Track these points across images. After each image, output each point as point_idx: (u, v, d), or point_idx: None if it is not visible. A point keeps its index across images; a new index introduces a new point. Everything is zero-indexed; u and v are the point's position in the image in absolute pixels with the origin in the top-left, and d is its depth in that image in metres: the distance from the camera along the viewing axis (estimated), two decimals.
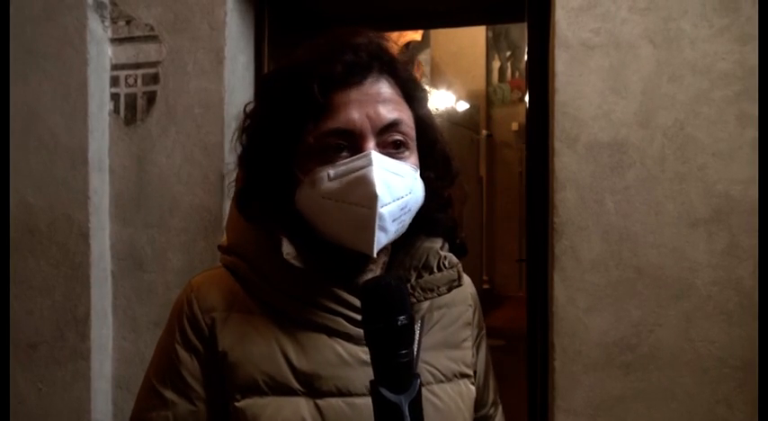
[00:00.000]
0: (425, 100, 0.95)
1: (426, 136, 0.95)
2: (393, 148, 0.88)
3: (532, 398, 2.11)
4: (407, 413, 0.74)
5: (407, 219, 0.89)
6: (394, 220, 0.85)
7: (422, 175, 0.93)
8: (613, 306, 1.89)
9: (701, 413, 1.85)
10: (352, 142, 0.86)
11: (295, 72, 0.90)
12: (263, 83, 0.95)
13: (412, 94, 0.93)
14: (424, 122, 0.94)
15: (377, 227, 0.83)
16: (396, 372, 0.75)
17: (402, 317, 0.76)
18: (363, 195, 0.82)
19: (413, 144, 0.91)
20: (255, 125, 0.94)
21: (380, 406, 0.75)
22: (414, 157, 0.91)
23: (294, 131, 0.88)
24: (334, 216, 0.86)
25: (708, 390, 1.85)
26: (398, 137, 0.88)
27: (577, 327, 1.91)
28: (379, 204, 0.82)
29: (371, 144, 0.85)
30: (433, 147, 0.95)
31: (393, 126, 0.87)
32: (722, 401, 1.84)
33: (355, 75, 0.87)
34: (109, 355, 2.20)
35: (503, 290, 8.87)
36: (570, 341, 1.91)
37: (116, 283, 2.21)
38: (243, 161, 0.95)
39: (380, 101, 0.87)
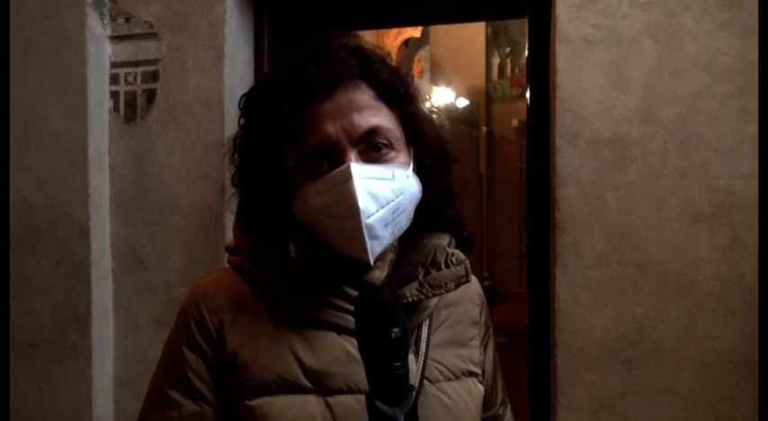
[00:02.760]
0: (409, 96, 0.94)
1: (415, 131, 0.93)
2: (375, 152, 0.87)
3: (534, 394, 2.11)
4: None
5: (404, 219, 0.89)
6: (386, 225, 0.85)
7: (419, 165, 0.92)
8: (615, 302, 1.89)
9: (704, 409, 1.85)
10: (332, 155, 0.86)
11: (267, 94, 0.90)
12: (244, 101, 0.96)
13: (392, 94, 0.91)
14: (410, 119, 0.93)
15: (366, 237, 0.83)
16: (390, 385, 0.75)
17: (396, 330, 0.75)
18: (347, 209, 0.83)
19: (399, 144, 0.90)
20: (241, 146, 0.94)
21: (376, 419, 0.74)
22: (403, 156, 0.90)
23: (275, 154, 0.88)
24: (326, 229, 0.87)
25: (710, 386, 1.85)
26: (380, 140, 0.87)
27: (579, 324, 1.90)
28: (364, 216, 0.82)
29: (351, 155, 0.85)
30: (423, 139, 0.94)
31: (372, 133, 0.87)
32: (725, 397, 1.84)
33: (324, 88, 0.86)
34: (110, 354, 2.20)
35: (504, 286, 8.87)
36: (572, 337, 1.91)
37: (117, 282, 2.20)
38: (236, 181, 0.96)
39: (354, 110, 0.86)
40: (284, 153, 0.87)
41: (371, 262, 0.85)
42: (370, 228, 0.83)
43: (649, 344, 1.88)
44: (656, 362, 1.87)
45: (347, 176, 0.83)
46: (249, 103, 0.95)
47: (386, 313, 0.77)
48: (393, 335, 0.75)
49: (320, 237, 0.88)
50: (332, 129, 0.85)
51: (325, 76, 0.87)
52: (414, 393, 0.76)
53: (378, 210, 0.84)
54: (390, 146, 0.88)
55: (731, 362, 1.84)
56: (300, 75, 0.87)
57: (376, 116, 0.88)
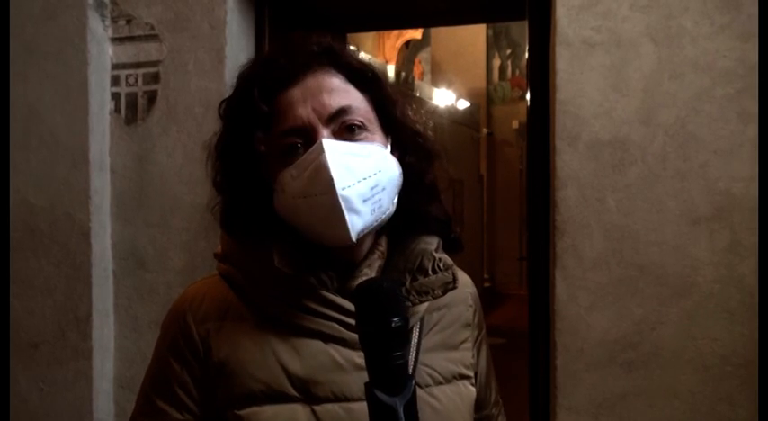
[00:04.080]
0: (380, 81, 0.94)
1: (389, 116, 0.94)
2: (348, 133, 0.87)
3: (534, 396, 2.11)
4: (402, 415, 0.73)
5: (385, 199, 0.88)
6: (365, 201, 0.84)
7: (402, 161, 0.93)
8: (615, 304, 1.89)
9: (704, 411, 1.85)
10: (306, 138, 0.86)
11: (239, 88, 0.92)
12: (223, 105, 0.97)
13: (362, 78, 0.92)
14: (383, 103, 0.93)
15: (344, 210, 0.82)
16: (390, 374, 0.75)
17: (396, 319, 0.75)
18: (322, 182, 0.82)
19: (372, 125, 0.91)
20: (219, 146, 0.95)
21: (375, 408, 0.74)
22: (378, 137, 0.91)
23: (252, 145, 0.89)
24: (306, 213, 0.86)
25: (710, 388, 1.85)
26: (352, 121, 0.88)
27: (579, 326, 1.91)
28: (339, 187, 0.82)
29: (324, 133, 0.85)
30: (399, 126, 0.94)
31: (342, 112, 0.87)
32: (724, 399, 1.84)
33: (293, 74, 0.88)
34: (110, 355, 2.20)
35: (504, 288, 8.87)
36: (572, 339, 1.91)
37: (117, 283, 2.21)
38: (218, 184, 0.96)
39: (324, 91, 0.87)
40: (257, 139, 0.88)
41: (353, 238, 0.84)
42: (346, 199, 0.82)
43: (649, 345, 1.88)
44: (655, 363, 1.88)
45: (320, 151, 0.83)
46: (225, 103, 0.96)
47: (386, 303, 0.77)
48: (393, 325, 0.75)
49: (302, 228, 0.88)
50: (302, 111, 0.86)
51: (294, 62, 0.88)
52: (413, 383, 0.76)
53: (354, 184, 0.83)
54: (364, 126, 0.89)
55: (730, 364, 1.84)
56: (270, 64, 0.89)
57: (346, 97, 0.89)
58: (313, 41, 0.92)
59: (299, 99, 0.87)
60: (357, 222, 0.84)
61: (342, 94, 0.88)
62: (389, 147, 0.92)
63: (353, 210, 0.83)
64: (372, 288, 0.79)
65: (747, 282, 1.82)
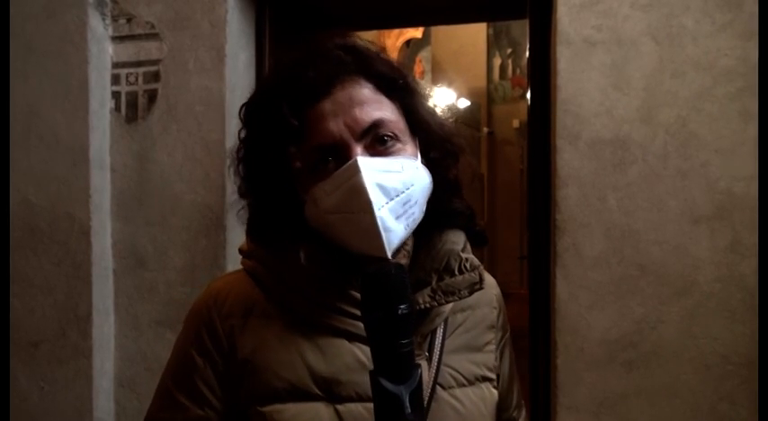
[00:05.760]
0: (409, 87, 0.93)
1: (419, 122, 0.93)
2: (381, 145, 0.87)
3: (534, 395, 2.11)
4: (408, 403, 0.72)
5: (417, 211, 0.88)
6: (398, 218, 0.84)
7: (427, 157, 0.92)
8: (616, 303, 1.89)
9: (704, 410, 1.85)
10: (338, 153, 0.85)
11: (267, 99, 0.91)
12: (245, 110, 0.96)
13: (392, 86, 0.91)
14: (412, 110, 0.93)
15: (381, 229, 0.82)
16: (396, 363, 0.74)
17: (402, 307, 0.74)
18: (359, 203, 0.82)
19: (404, 135, 0.90)
20: (246, 156, 0.94)
21: (380, 396, 0.73)
22: (409, 147, 0.90)
23: (281, 158, 0.88)
24: (340, 228, 0.86)
25: (711, 387, 1.85)
26: (385, 133, 0.87)
27: (580, 325, 1.90)
28: (376, 208, 0.82)
29: (357, 150, 0.85)
30: (428, 130, 0.94)
31: (375, 126, 0.86)
32: (725, 398, 1.84)
33: (322, 86, 0.87)
34: (111, 354, 2.20)
35: (504, 287, 8.77)
36: (572, 338, 1.91)
37: (117, 282, 2.21)
38: (243, 191, 0.95)
39: (355, 105, 0.86)
40: (290, 155, 0.87)
41: (389, 255, 0.84)
42: (383, 219, 0.83)
43: (649, 345, 1.88)
44: (656, 363, 1.87)
45: (356, 170, 0.83)
46: (250, 112, 0.95)
47: (392, 289, 0.76)
48: (400, 312, 0.74)
49: (335, 239, 0.88)
50: (334, 126, 0.85)
51: (322, 75, 0.87)
52: (419, 371, 0.75)
53: (387, 203, 0.83)
54: (396, 137, 0.88)
55: (731, 364, 1.84)
56: (298, 76, 0.88)
57: (378, 109, 0.88)
58: (338, 46, 0.90)
59: (330, 113, 0.86)
60: (393, 239, 0.84)
61: (373, 105, 0.88)
62: (419, 150, 0.92)
63: (388, 229, 0.83)
64: (380, 274, 0.78)
65: (748, 281, 1.82)
